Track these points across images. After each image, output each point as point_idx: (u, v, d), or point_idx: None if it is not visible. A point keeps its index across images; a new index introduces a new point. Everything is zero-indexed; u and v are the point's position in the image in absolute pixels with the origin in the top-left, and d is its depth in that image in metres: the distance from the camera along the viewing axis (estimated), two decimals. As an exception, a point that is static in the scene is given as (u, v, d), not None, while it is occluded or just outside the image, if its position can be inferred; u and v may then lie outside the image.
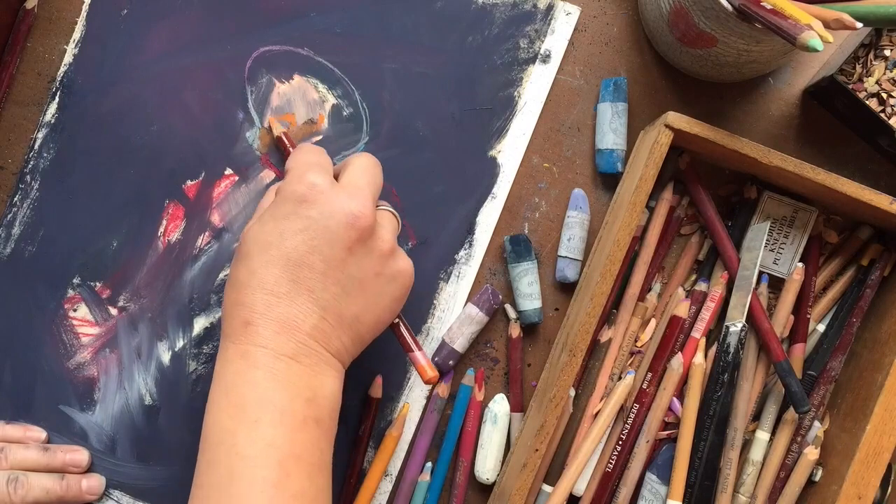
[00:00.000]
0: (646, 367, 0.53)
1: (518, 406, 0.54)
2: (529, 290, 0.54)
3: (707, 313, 0.52)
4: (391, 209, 0.48)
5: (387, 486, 0.55)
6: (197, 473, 0.42)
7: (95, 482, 0.54)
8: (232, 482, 0.40)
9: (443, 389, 0.54)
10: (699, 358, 0.52)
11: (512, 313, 0.55)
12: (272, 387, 0.42)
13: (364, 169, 0.47)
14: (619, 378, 0.53)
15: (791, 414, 0.52)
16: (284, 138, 0.54)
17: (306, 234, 0.43)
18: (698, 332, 0.52)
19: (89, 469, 0.54)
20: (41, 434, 0.54)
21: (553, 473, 0.52)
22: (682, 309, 0.52)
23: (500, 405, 0.54)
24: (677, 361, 0.52)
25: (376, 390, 0.54)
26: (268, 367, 0.42)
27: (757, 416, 0.53)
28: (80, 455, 0.54)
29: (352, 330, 0.45)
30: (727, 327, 0.51)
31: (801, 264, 0.52)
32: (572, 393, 0.52)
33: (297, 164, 0.46)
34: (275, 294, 0.43)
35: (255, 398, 0.42)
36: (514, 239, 0.54)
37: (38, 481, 0.51)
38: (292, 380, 0.42)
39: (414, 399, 0.55)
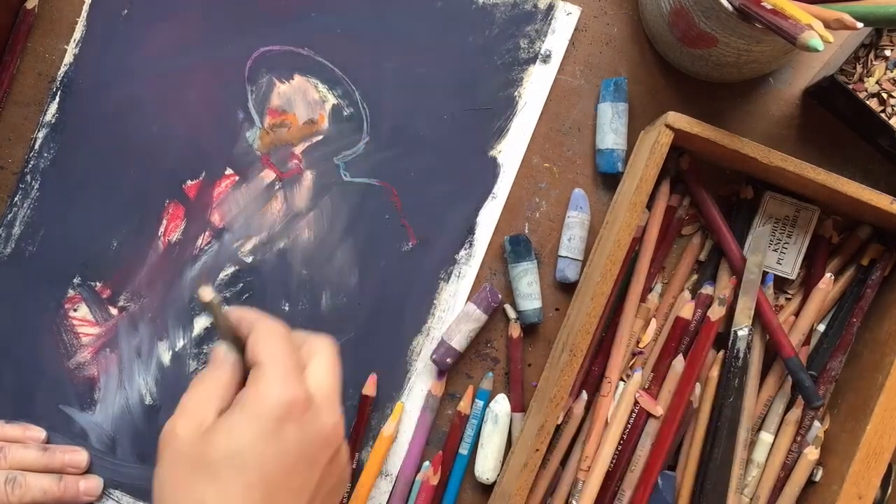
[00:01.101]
0: (649, 368, 0.53)
1: (519, 406, 0.54)
2: (529, 290, 0.54)
3: (714, 317, 0.52)
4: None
5: (387, 486, 0.55)
6: None
7: (93, 483, 0.54)
8: None
9: (436, 388, 0.54)
10: (714, 371, 0.52)
11: (512, 313, 0.55)
12: None
13: (332, 367, 0.42)
14: (627, 378, 0.53)
15: (794, 415, 0.52)
16: (217, 310, 0.41)
17: (288, 456, 0.38)
18: (705, 338, 0.52)
19: (88, 470, 0.54)
20: (41, 434, 0.54)
21: (558, 476, 0.52)
22: (688, 311, 0.52)
23: (500, 405, 0.54)
24: (679, 363, 0.52)
25: (370, 388, 0.54)
26: None
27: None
28: (80, 456, 0.54)
29: None
30: (735, 332, 0.51)
31: (829, 275, 0.52)
32: (585, 396, 0.52)
33: (272, 370, 0.39)
34: None
35: None
36: (513, 239, 0.54)
37: (36, 482, 0.51)
38: None
39: (414, 399, 0.55)
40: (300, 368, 0.41)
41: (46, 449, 0.53)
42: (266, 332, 0.41)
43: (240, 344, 0.41)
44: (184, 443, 0.38)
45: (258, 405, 0.38)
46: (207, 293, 0.40)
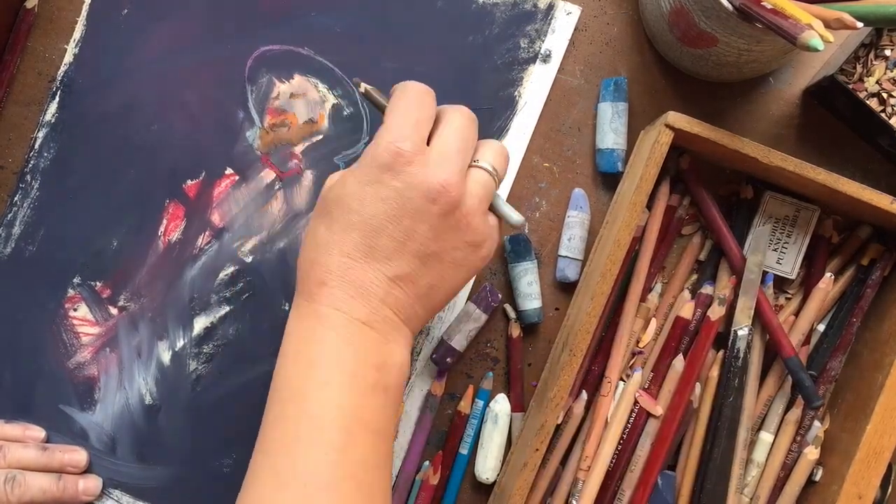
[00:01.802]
0: (649, 368, 0.53)
1: (519, 406, 0.54)
2: (529, 289, 0.54)
3: (715, 317, 0.52)
4: (487, 167, 0.45)
5: (387, 486, 0.55)
6: (263, 427, 0.42)
7: (92, 483, 0.54)
8: (298, 441, 0.40)
9: (436, 388, 0.54)
10: (714, 371, 0.52)
11: (511, 313, 0.55)
12: (344, 350, 0.42)
13: (458, 131, 0.44)
14: (627, 377, 0.53)
15: (794, 414, 0.52)
16: (373, 93, 0.48)
17: (388, 203, 0.42)
18: (705, 337, 0.52)
19: (87, 470, 0.54)
20: (40, 433, 0.54)
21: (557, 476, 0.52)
22: (688, 310, 0.52)
23: (500, 405, 0.54)
24: (679, 363, 0.52)
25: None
26: (340, 330, 0.42)
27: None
28: (79, 455, 0.54)
29: (426, 299, 0.44)
30: (735, 332, 0.51)
31: (829, 274, 0.52)
32: (585, 396, 0.52)
33: (391, 119, 0.43)
34: (352, 258, 0.42)
35: (326, 359, 0.42)
36: (513, 239, 0.54)
37: (35, 481, 0.51)
38: (364, 345, 0.42)
39: (414, 399, 0.55)
40: (420, 125, 0.43)
41: (46, 448, 0.53)
42: (401, 91, 0.45)
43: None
44: (325, 189, 0.45)
45: (368, 156, 0.43)
46: (363, 85, 0.48)
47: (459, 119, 0.45)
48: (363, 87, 0.48)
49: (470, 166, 0.44)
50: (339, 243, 0.43)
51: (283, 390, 0.42)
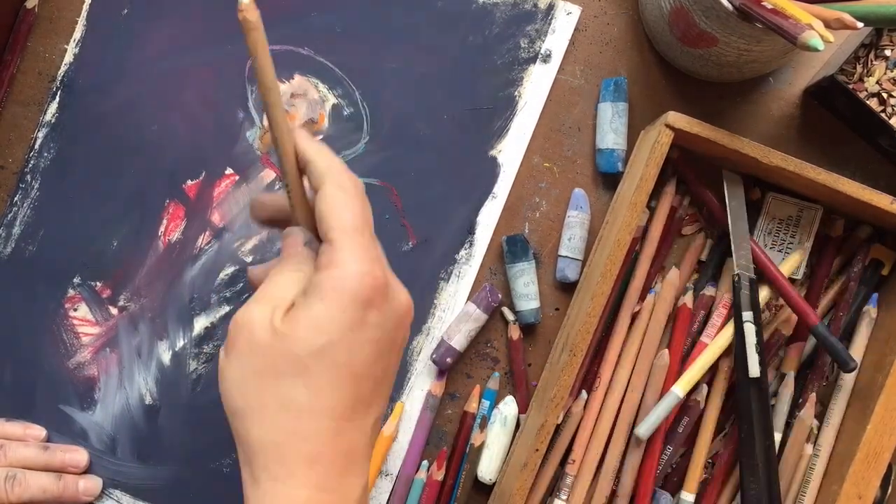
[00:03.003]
0: (647, 363, 0.53)
1: (524, 408, 0.54)
2: (525, 290, 0.54)
3: (719, 319, 0.52)
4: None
5: (387, 486, 0.55)
6: None
7: (92, 483, 0.54)
8: None
9: (437, 388, 0.54)
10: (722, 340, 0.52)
11: (510, 316, 0.55)
12: None
13: (366, 230, 0.36)
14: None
15: (805, 413, 0.51)
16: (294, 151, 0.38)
17: (375, 345, 0.35)
18: (708, 338, 0.52)
19: (88, 469, 0.54)
20: (41, 432, 0.54)
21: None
22: (689, 299, 0.52)
23: (509, 407, 0.54)
24: (662, 359, 0.52)
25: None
26: None
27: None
28: (79, 455, 0.54)
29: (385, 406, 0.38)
30: (738, 276, 0.51)
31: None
32: (584, 395, 0.52)
33: (346, 237, 0.35)
34: (344, 418, 0.35)
35: None
36: (510, 239, 0.54)
37: (35, 480, 0.51)
38: None
39: (414, 399, 0.55)
40: (374, 241, 0.36)
41: (46, 448, 0.53)
42: (339, 195, 0.36)
43: (301, 178, 0.37)
44: (263, 335, 0.35)
45: (341, 294, 0.34)
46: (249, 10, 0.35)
47: (359, 209, 0.36)
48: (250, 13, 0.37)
49: None
50: (327, 406, 0.34)
51: None
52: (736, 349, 0.51)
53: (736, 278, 0.51)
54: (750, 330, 0.50)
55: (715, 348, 0.51)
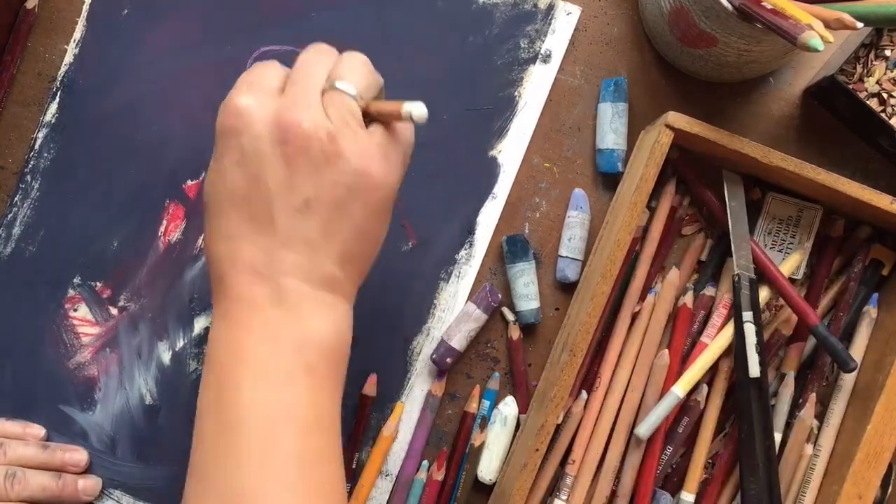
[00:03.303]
0: (647, 364, 0.53)
1: (524, 408, 0.54)
2: (525, 290, 0.54)
3: (719, 319, 0.52)
4: (340, 86, 0.40)
5: (387, 486, 0.55)
6: (192, 448, 0.39)
7: (91, 483, 0.54)
8: (221, 456, 0.37)
9: (437, 388, 0.54)
10: (722, 340, 0.52)
11: (510, 316, 0.55)
12: (251, 343, 0.38)
13: (307, 65, 0.41)
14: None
15: (805, 413, 0.51)
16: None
17: (243, 165, 0.39)
18: (708, 338, 0.52)
19: (88, 469, 0.54)
20: (40, 431, 0.54)
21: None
22: (689, 299, 0.52)
23: (510, 407, 0.54)
24: (662, 359, 0.52)
25: (370, 388, 0.54)
26: (245, 323, 0.38)
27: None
28: (79, 455, 0.54)
29: (333, 252, 0.39)
30: (738, 276, 0.51)
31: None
32: (584, 395, 0.52)
33: (234, 86, 0.41)
34: (235, 238, 0.39)
35: (234, 362, 0.38)
36: (510, 239, 0.54)
37: (35, 479, 0.51)
38: (273, 330, 0.38)
39: (414, 399, 0.55)
40: (260, 86, 0.40)
41: (46, 447, 0.53)
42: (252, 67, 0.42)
43: None
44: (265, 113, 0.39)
45: (216, 134, 0.40)
46: None
47: (303, 53, 0.42)
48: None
49: (324, 91, 0.40)
50: (219, 230, 0.40)
51: (202, 406, 0.39)
52: (736, 349, 0.51)
53: (736, 278, 0.51)
54: (750, 330, 0.50)
55: (715, 348, 0.51)
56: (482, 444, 0.54)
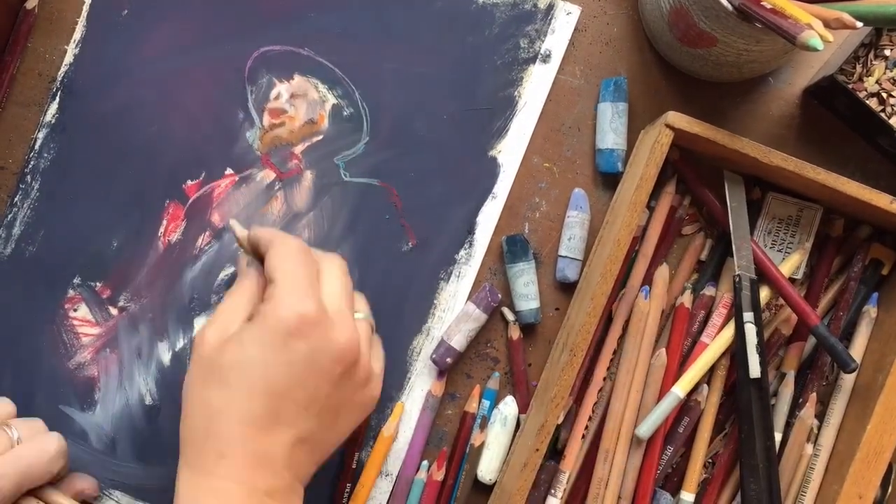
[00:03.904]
0: (644, 364, 0.53)
1: (524, 408, 0.54)
2: (525, 290, 0.54)
3: (719, 319, 0.52)
4: (363, 316, 0.47)
5: (387, 486, 0.55)
6: None
7: (87, 483, 0.52)
8: None
9: (437, 388, 0.54)
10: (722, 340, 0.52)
11: (510, 316, 0.55)
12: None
13: (344, 286, 0.45)
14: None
15: (805, 413, 0.51)
16: (243, 241, 0.48)
17: (294, 368, 0.41)
18: (708, 337, 0.52)
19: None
20: (10, 407, 0.50)
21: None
22: (687, 298, 0.52)
23: (510, 407, 0.54)
24: (659, 359, 0.52)
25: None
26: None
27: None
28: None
29: (321, 454, 0.45)
30: (739, 276, 0.51)
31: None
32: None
33: (287, 281, 0.42)
34: (256, 426, 0.41)
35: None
36: (510, 239, 0.54)
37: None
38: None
39: (414, 399, 0.55)
40: (314, 284, 0.43)
41: (59, 483, 0.51)
42: (281, 249, 0.44)
43: (261, 260, 0.45)
44: (206, 349, 0.42)
45: (270, 319, 0.41)
46: (237, 227, 0.48)
47: (339, 271, 0.45)
48: (236, 229, 0.48)
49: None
50: (239, 412, 0.41)
51: None
52: (737, 349, 0.51)
53: (737, 279, 0.51)
54: (751, 330, 0.50)
55: (715, 348, 0.51)
56: (482, 444, 0.54)
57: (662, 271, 0.52)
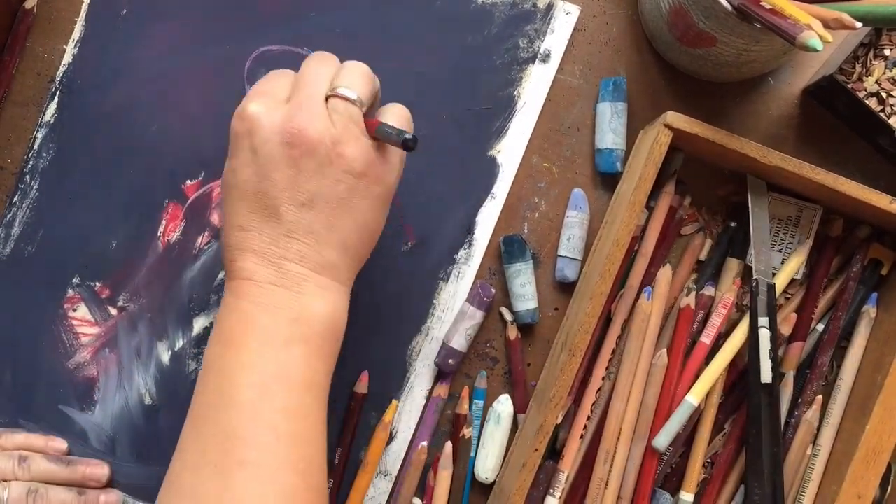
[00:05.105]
0: (645, 365, 0.53)
1: (523, 408, 0.54)
2: (522, 290, 0.54)
3: (719, 319, 0.52)
4: (344, 93, 0.44)
5: (386, 486, 0.55)
6: (191, 403, 0.44)
7: (113, 498, 0.53)
8: (218, 403, 0.42)
9: (443, 390, 0.54)
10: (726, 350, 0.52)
11: (508, 315, 0.55)
12: (256, 313, 0.43)
13: (310, 73, 0.45)
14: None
15: (809, 413, 0.51)
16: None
17: (253, 165, 0.43)
18: (707, 337, 0.52)
19: (110, 483, 0.54)
20: (62, 445, 0.54)
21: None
22: (691, 300, 0.52)
23: (504, 405, 0.54)
24: (661, 359, 0.52)
25: (361, 387, 0.54)
26: (251, 296, 0.43)
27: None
28: (101, 470, 0.53)
29: (333, 242, 0.44)
30: (756, 281, 0.50)
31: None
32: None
33: (247, 96, 0.45)
34: (245, 228, 0.44)
35: (240, 326, 0.43)
36: (507, 239, 0.54)
37: (57, 495, 0.51)
38: (275, 303, 0.43)
39: (414, 399, 0.55)
40: (271, 94, 0.45)
41: (69, 462, 0.53)
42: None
43: None
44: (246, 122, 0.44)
45: (230, 135, 0.45)
46: None
47: (306, 62, 0.46)
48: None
49: (327, 97, 0.44)
50: (231, 220, 0.44)
51: (206, 363, 0.44)
52: (749, 354, 0.51)
53: (754, 283, 0.51)
54: (765, 336, 0.50)
55: (726, 354, 0.51)
56: (469, 439, 0.53)
57: (666, 272, 0.52)
